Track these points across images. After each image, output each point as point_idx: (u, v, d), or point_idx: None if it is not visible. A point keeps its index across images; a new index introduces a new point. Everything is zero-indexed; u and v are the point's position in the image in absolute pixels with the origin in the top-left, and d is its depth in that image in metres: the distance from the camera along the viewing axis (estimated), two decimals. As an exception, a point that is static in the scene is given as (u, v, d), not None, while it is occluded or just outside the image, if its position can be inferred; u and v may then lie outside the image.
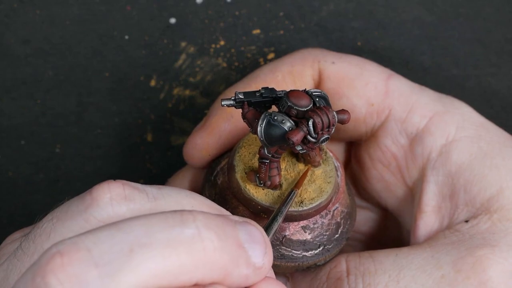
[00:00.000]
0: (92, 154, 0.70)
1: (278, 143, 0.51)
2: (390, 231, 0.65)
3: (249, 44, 0.68)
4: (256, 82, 0.61)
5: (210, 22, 0.67)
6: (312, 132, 0.50)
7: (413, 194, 0.60)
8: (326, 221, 0.56)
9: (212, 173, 0.58)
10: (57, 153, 0.70)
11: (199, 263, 0.43)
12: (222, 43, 0.68)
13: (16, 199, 0.72)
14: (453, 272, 0.53)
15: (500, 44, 0.70)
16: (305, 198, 0.54)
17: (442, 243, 0.55)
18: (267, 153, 0.52)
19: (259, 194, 0.54)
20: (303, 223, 0.55)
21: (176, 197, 0.47)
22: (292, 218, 0.54)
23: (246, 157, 0.55)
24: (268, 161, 0.53)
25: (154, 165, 0.71)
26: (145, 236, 0.42)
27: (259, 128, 0.51)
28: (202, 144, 0.59)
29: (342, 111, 0.51)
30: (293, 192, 0.53)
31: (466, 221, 0.56)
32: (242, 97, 0.52)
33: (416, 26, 0.69)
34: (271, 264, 0.46)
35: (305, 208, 0.54)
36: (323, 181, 0.55)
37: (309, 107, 0.50)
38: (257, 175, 0.54)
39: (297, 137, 0.49)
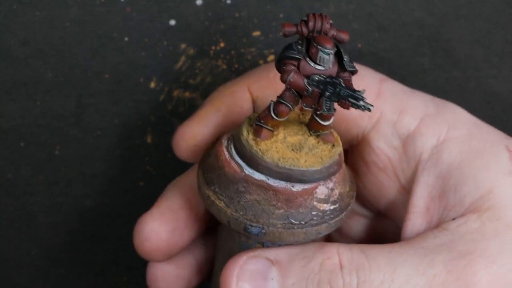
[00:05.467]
0: (92, 156, 0.70)
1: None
2: (383, 236, 0.65)
3: (249, 46, 0.68)
4: (249, 78, 0.61)
5: (210, 24, 0.67)
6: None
7: (409, 195, 0.60)
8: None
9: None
10: (56, 155, 0.70)
11: None
12: (222, 45, 0.68)
13: (15, 200, 0.72)
14: (444, 272, 0.52)
15: (501, 45, 0.69)
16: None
17: (434, 243, 0.54)
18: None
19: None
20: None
21: None
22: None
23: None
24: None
25: (154, 167, 0.71)
26: None
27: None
28: (189, 133, 0.60)
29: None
30: None
31: (453, 219, 0.55)
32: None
33: (417, 28, 0.69)
34: None
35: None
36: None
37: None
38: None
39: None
